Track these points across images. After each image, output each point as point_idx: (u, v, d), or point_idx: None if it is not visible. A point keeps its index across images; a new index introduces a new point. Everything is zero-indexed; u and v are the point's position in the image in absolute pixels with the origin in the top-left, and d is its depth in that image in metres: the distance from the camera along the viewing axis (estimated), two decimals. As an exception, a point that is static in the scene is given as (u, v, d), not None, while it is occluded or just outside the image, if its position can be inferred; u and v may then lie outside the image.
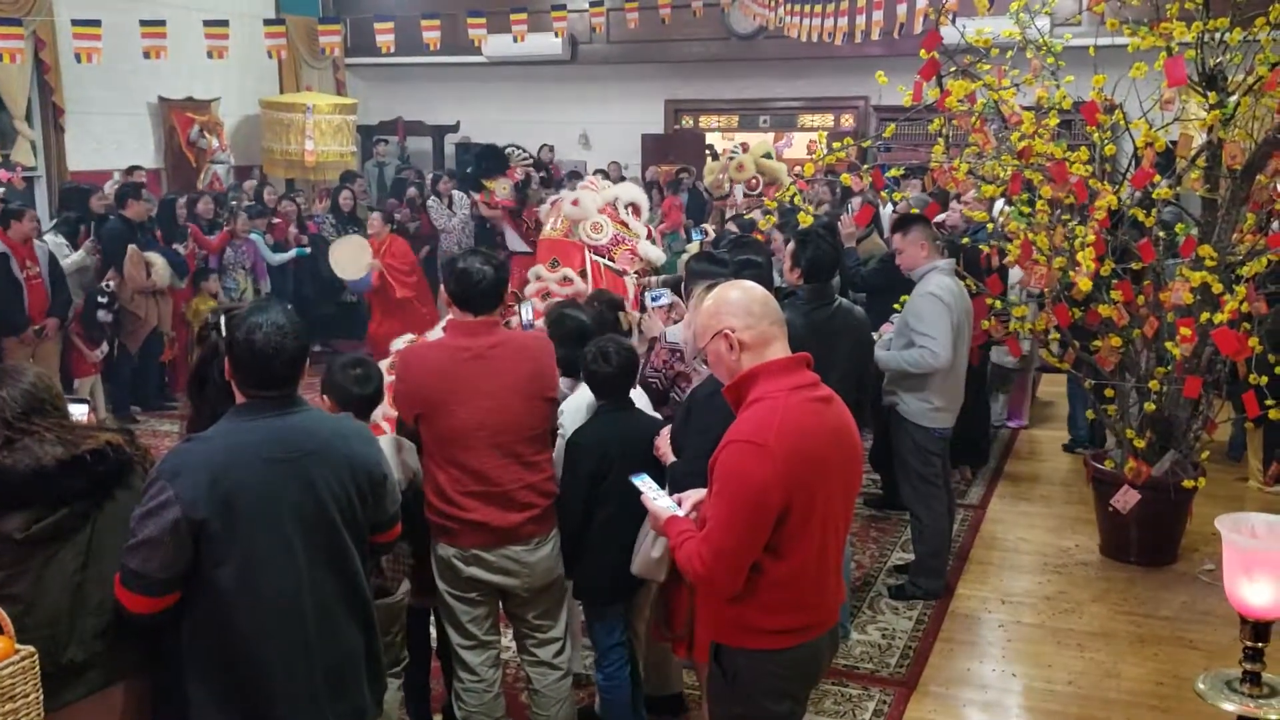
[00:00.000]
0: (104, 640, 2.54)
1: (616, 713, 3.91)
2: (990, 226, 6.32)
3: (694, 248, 7.41)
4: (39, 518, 2.45)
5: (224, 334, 2.66)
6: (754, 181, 10.34)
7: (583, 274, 6.50)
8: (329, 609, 2.63)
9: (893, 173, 6.11)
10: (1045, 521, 6.42)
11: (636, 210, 6.98)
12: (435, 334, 4.62)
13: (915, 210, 6.28)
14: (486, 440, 3.47)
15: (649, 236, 7.01)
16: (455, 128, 15.39)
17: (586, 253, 6.60)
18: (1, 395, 2.52)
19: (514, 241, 10.49)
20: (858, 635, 4.98)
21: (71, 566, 2.50)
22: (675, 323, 4.78)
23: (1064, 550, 5.97)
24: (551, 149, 14.43)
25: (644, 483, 2.93)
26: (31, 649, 2.32)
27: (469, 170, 11.25)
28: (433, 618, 3.94)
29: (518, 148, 12.63)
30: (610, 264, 6.66)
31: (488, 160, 10.97)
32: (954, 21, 6.02)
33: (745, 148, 11.32)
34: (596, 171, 12.28)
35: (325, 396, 3.61)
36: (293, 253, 10.31)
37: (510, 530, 3.54)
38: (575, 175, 12.98)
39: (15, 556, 2.44)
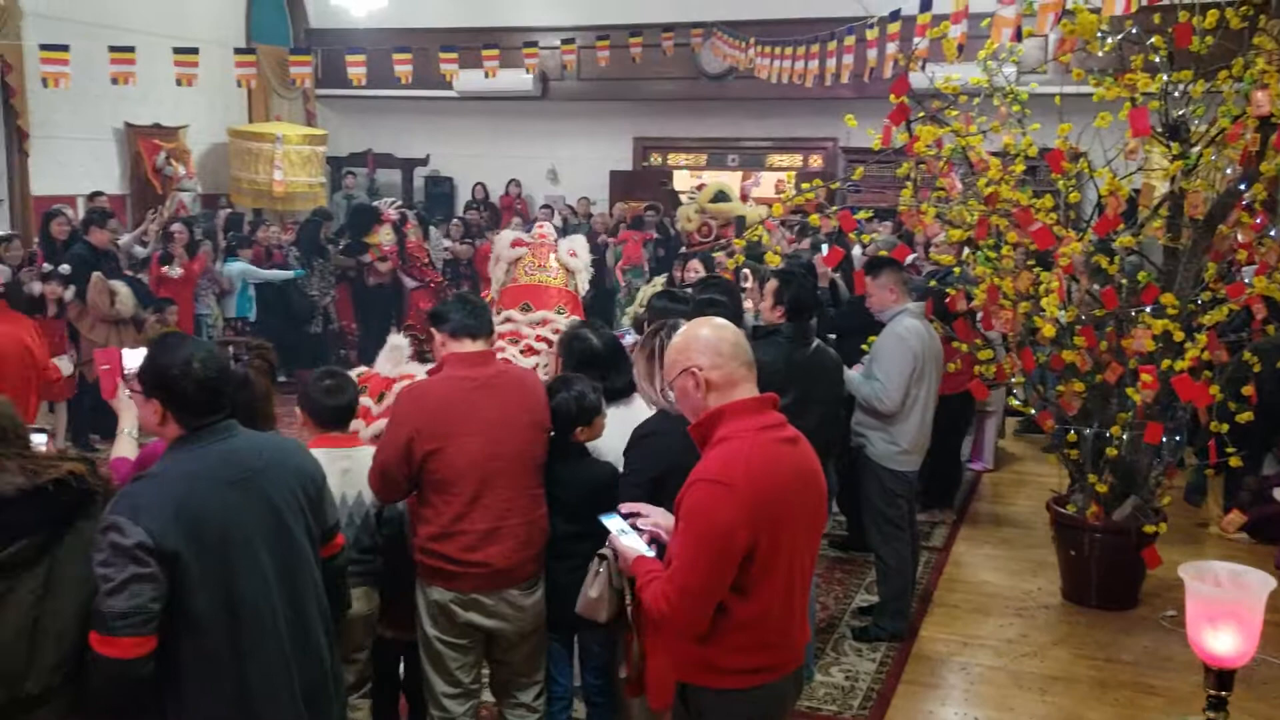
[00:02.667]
0: (60, 674, 2.47)
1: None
2: (957, 270, 6.37)
3: (658, 284, 7.47)
4: None
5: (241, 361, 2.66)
6: (705, 229, 10.37)
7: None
8: (302, 625, 2.64)
9: (862, 214, 6.16)
10: (1008, 564, 6.44)
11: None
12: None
13: (884, 253, 6.32)
14: (502, 470, 3.44)
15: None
16: (425, 161, 15.40)
17: (579, 301, 6.60)
18: None
19: (408, 281, 11.25)
20: (821, 677, 4.95)
21: (29, 599, 2.44)
22: None
23: (1027, 593, 5.98)
24: (519, 184, 14.50)
25: (613, 522, 2.91)
26: (-15, 683, 2.26)
27: (345, 244, 11.44)
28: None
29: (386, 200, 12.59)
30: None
31: (357, 219, 11.37)
32: (923, 68, 6.11)
33: (701, 188, 11.41)
34: (542, 210, 12.51)
35: (300, 410, 3.62)
36: (290, 273, 10.34)
37: (511, 571, 3.49)
38: (546, 208, 13.09)
39: None
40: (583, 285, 6.55)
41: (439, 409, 3.44)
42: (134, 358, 3.10)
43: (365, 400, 4.76)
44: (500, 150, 14.96)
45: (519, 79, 13.00)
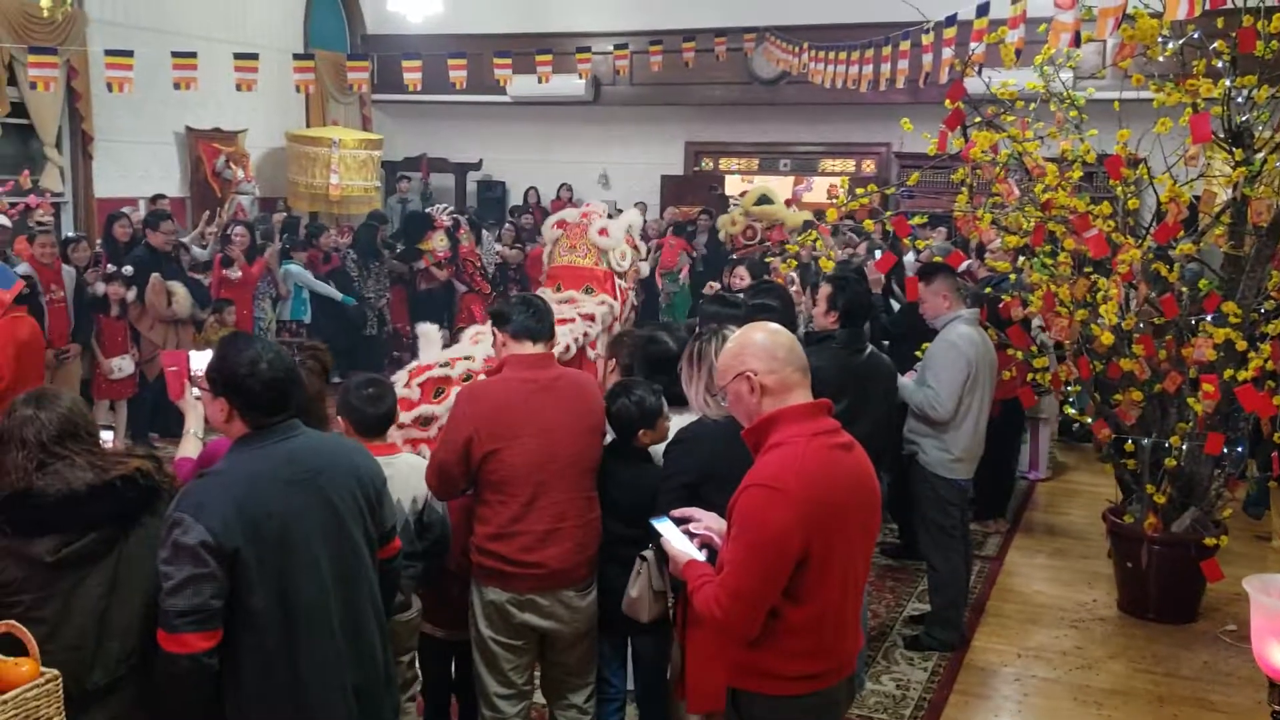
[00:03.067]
0: (127, 665, 2.55)
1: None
2: (1013, 277, 6.30)
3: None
4: (68, 542, 2.46)
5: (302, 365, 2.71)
6: (750, 232, 10.36)
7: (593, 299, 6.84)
8: (356, 624, 2.68)
9: (916, 220, 6.12)
10: (1063, 575, 6.35)
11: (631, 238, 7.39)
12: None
13: (938, 259, 6.27)
14: (559, 472, 3.47)
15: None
16: (478, 166, 15.52)
17: (616, 279, 6.88)
18: (39, 418, 2.54)
19: (459, 285, 11.49)
20: (872, 685, 4.92)
21: (98, 591, 2.52)
22: None
23: (1082, 605, 5.90)
24: (570, 189, 14.56)
25: (665, 526, 2.91)
26: (55, 672, 2.33)
27: (400, 250, 11.70)
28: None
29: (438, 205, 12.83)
30: (626, 286, 7.08)
31: (411, 226, 11.62)
32: (979, 73, 6.05)
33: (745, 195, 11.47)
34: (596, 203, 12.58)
35: (341, 418, 3.64)
36: (338, 295, 10.43)
37: (567, 572, 3.51)
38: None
39: (44, 580, 2.46)
40: (617, 263, 6.88)
41: (499, 410, 3.46)
42: (201, 359, 3.17)
43: (405, 390, 4.90)
44: (552, 155, 15.05)
45: (571, 84, 13.05)
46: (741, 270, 7.27)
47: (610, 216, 7.38)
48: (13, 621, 2.33)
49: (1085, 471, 8.43)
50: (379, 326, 11.26)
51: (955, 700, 4.83)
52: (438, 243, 11.34)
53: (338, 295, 10.55)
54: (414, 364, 5.47)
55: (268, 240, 10.38)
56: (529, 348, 3.59)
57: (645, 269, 7.73)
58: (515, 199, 15.01)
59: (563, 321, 6.20)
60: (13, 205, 8.48)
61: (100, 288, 8.20)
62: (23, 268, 7.68)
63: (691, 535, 2.92)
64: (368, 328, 11.03)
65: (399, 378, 5.34)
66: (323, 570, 2.60)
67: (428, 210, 12.10)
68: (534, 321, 3.61)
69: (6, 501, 2.43)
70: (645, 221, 13.03)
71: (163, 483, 2.64)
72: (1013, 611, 5.82)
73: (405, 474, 3.57)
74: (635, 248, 7.28)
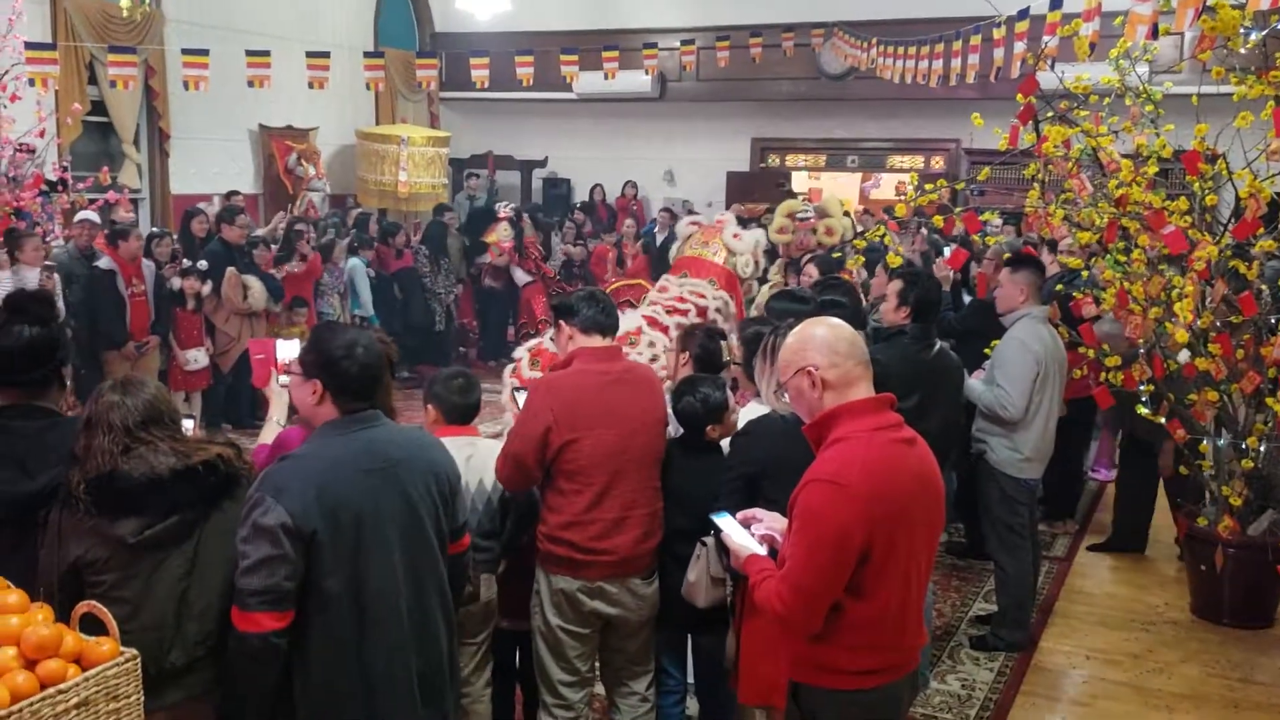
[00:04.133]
0: (204, 647, 2.62)
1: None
2: (1085, 274, 6.19)
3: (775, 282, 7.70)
4: (151, 524, 2.54)
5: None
6: (804, 242, 10.28)
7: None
8: (423, 613, 2.72)
9: (986, 216, 6.04)
10: (1134, 577, 6.24)
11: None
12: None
13: (1007, 255, 6.19)
14: (631, 463, 3.53)
15: None
16: (543, 163, 15.61)
17: (738, 284, 7.54)
18: (126, 404, 2.62)
19: (520, 276, 11.64)
20: (937, 685, 4.88)
21: (178, 573, 2.59)
22: None
23: (1153, 607, 5.79)
24: (635, 185, 14.59)
25: (725, 520, 2.91)
26: (134, 651, 2.39)
27: (466, 244, 11.96)
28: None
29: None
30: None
31: (476, 222, 11.90)
32: (1052, 67, 5.94)
33: (813, 197, 11.65)
34: (661, 213, 12.98)
35: (429, 407, 3.75)
36: (368, 311, 10.46)
37: (635, 560, 3.57)
38: (665, 211, 13.21)
39: (126, 560, 2.53)
40: (742, 268, 7.56)
41: (576, 401, 3.51)
42: (287, 348, 3.28)
43: (530, 372, 5.85)
44: (617, 151, 15.08)
45: (637, 80, 13.08)
46: (811, 268, 7.32)
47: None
48: (94, 602, 2.40)
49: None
50: (447, 322, 11.38)
51: (1022, 701, 4.77)
52: (501, 233, 11.50)
53: (368, 311, 10.44)
54: (533, 343, 6.25)
55: (337, 236, 10.51)
56: (598, 340, 3.64)
57: (758, 288, 8.03)
58: (580, 196, 15.09)
59: (686, 301, 7.07)
60: (92, 201, 8.71)
61: (176, 282, 8.41)
62: (104, 262, 7.90)
63: (753, 534, 2.92)
64: (436, 323, 11.16)
65: (519, 354, 6.26)
66: (394, 559, 2.64)
67: (493, 207, 12.25)
68: (602, 315, 3.66)
69: (92, 483, 2.51)
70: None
71: (242, 469, 2.72)
72: (1081, 613, 5.73)
73: (485, 457, 3.68)
74: (757, 262, 7.85)
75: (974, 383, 5.15)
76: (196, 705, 2.62)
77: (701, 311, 6.99)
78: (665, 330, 6.79)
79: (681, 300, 7.17)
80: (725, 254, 7.51)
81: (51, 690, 2.23)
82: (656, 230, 13.01)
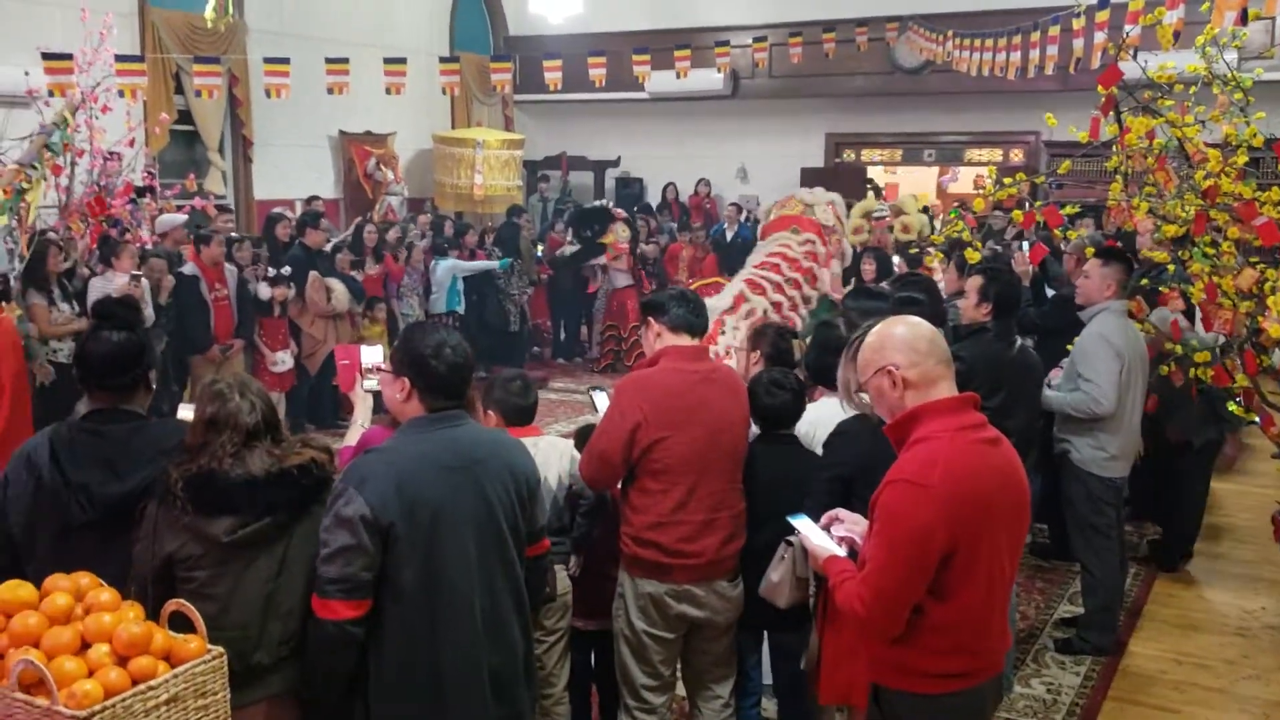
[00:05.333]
0: (288, 647, 2.67)
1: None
2: (1171, 268, 6.03)
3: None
4: (245, 524, 2.59)
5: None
6: (879, 240, 10.22)
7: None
8: (497, 611, 2.75)
9: (1067, 210, 5.92)
10: (1227, 580, 6.06)
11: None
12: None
13: (1090, 250, 6.06)
14: (716, 462, 3.51)
15: None
16: (616, 163, 15.65)
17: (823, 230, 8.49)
18: (255, 406, 2.67)
19: (619, 279, 11.65)
20: (1021, 689, 4.79)
21: (267, 574, 2.64)
22: None
23: (1248, 612, 5.62)
24: (708, 183, 14.56)
25: (802, 522, 2.89)
26: (221, 649, 2.45)
27: (580, 248, 11.89)
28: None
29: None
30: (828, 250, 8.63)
31: (595, 223, 11.76)
32: (1134, 56, 5.79)
33: (888, 196, 12.21)
34: (730, 207, 13.33)
35: (490, 411, 3.78)
36: (494, 264, 10.85)
37: (721, 563, 3.55)
38: (735, 205, 13.20)
39: (219, 558, 2.59)
40: (822, 217, 8.62)
41: (667, 399, 3.49)
42: (371, 353, 3.36)
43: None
44: (689, 150, 15.07)
45: (709, 78, 13.05)
46: (869, 263, 7.45)
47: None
48: (182, 601, 2.46)
49: (1254, 472, 8.01)
50: (521, 323, 11.47)
51: (1109, 707, 4.67)
52: (620, 233, 11.50)
53: (494, 264, 10.96)
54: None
55: (413, 240, 10.66)
56: (686, 340, 3.62)
57: (848, 248, 8.90)
58: (653, 195, 15.11)
59: (766, 266, 8.03)
60: (179, 207, 8.93)
61: (265, 291, 8.58)
62: (188, 268, 8.10)
63: (833, 536, 2.89)
64: (510, 323, 11.27)
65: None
66: (470, 556, 2.67)
67: (598, 205, 12.23)
68: (692, 315, 3.64)
69: (191, 481, 2.57)
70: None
71: (333, 474, 2.76)
72: (1172, 616, 5.59)
73: (547, 453, 3.75)
74: (839, 218, 8.72)
75: (1049, 394, 5.04)
76: (280, 704, 2.67)
77: (791, 260, 7.99)
78: (763, 291, 7.69)
79: (771, 256, 8.01)
80: (800, 206, 8.58)
81: (142, 686, 2.29)
82: (726, 227, 13.00)
